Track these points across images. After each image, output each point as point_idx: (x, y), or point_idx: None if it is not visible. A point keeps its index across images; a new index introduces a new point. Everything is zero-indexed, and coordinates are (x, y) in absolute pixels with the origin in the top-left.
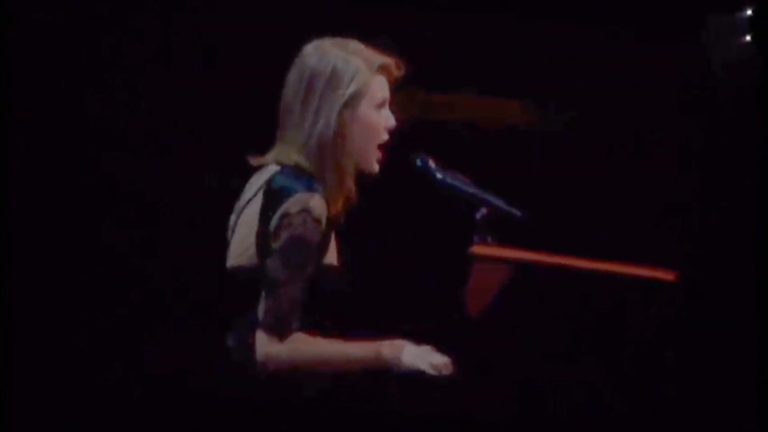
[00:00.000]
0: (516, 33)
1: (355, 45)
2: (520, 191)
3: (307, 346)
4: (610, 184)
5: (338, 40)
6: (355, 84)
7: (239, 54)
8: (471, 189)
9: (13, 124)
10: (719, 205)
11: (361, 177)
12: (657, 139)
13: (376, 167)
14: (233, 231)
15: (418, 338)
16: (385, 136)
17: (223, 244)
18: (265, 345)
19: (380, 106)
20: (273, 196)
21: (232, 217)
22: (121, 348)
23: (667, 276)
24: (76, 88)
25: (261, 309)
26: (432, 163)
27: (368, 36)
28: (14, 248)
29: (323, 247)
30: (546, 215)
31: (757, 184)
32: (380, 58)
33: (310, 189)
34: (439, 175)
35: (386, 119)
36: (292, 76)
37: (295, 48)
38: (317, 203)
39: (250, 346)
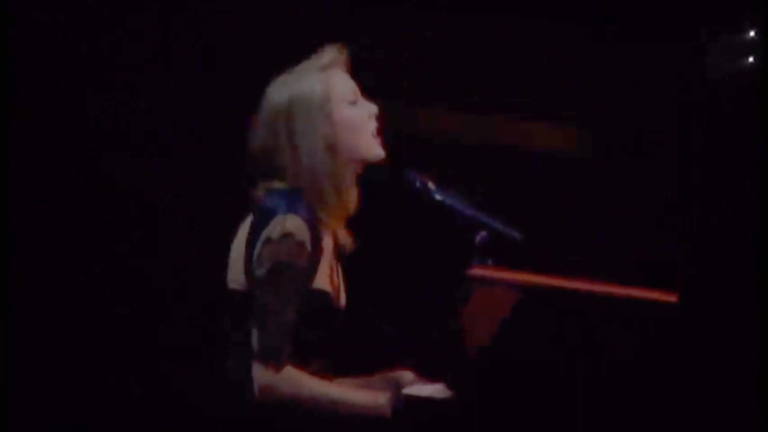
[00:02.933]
0: (514, 36)
1: (304, 63)
2: (518, 207)
3: (308, 384)
4: (609, 195)
5: (293, 68)
6: (318, 97)
7: (239, 54)
8: (470, 210)
9: (13, 123)
10: (719, 207)
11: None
12: (658, 146)
13: (380, 152)
14: (231, 253)
15: (415, 361)
16: (373, 124)
17: (224, 247)
18: (262, 377)
19: (352, 99)
20: (258, 219)
21: (234, 241)
22: (120, 350)
23: (670, 297)
24: (76, 87)
25: (254, 339)
26: (431, 185)
27: (368, 37)
28: (15, 247)
29: (312, 270)
30: (547, 233)
31: (756, 184)
32: (325, 57)
33: (291, 209)
34: (437, 197)
35: (366, 108)
36: (260, 119)
37: (296, 48)
38: (299, 226)
39: (249, 375)
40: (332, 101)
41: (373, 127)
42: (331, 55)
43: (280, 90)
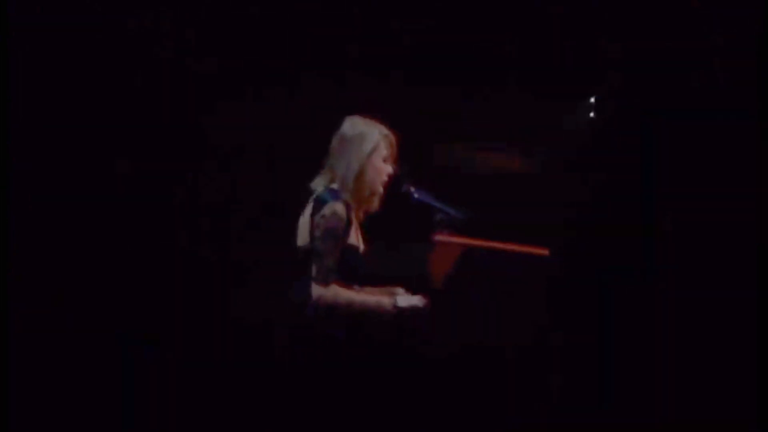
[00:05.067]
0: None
1: (372, 121)
2: (466, 201)
3: (344, 294)
4: (523, 194)
5: (363, 118)
6: (373, 143)
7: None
8: (434, 202)
9: (16, 125)
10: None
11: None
12: (560, 168)
13: (381, 191)
14: (299, 226)
15: (405, 287)
16: (386, 179)
17: (290, 231)
18: (316, 291)
19: (385, 159)
20: (318, 205)
21: (300, 218)
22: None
23: (542, 251)
24: (82, 89)
25: (313, 270)
26: (413, 189)
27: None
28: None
29: (347, 233)
30: (483, 215)
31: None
32: (386, 130)
33: (337, 199)
34: (416, 195)
35: (387, 169)
36: (336, 135)
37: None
38: (340, 208)
39: (309, 293)
40: (375, 152)
41: (384, 180)
42: (390, 135)
43: (353, 126)
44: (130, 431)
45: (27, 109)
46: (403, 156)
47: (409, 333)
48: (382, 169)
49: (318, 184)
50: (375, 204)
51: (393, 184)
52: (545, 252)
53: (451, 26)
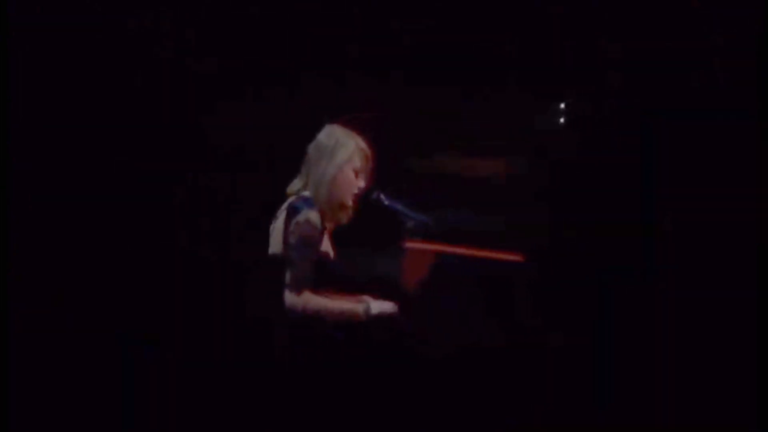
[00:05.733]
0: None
1: (351, 132)
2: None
3: (316, 300)
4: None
5: (342, 128)
6: (347, 154)
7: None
8: (404, 210)
9: (17, 126)
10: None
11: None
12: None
13: (350, 203)
14: (271, 233)
15: (377, 293)
16: (356, 191)
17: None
18: (289, 299)
19: (357, 172)
20: (291, 213)
21: (271, 226)
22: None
23: (517, 257)
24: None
25: (287, 278)
26: (383, 196)
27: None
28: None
29: (320, 241)
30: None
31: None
32: (363, 143)
33: (311, 207)
34: (386, 202)
35: (359, 182)
36: (313, 143)
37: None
38: (315, 216)
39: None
40: (348, 163)
41: (354, 193)
42: (366, 150)
43: (330, 135)
44: (130, 431)
45: (27, 109)
46: (393, 161)
47: (383, 338)
48: (353, 181)
49: (292, 190)
50: (344, 217)
51: (364, 195)
52: (519, 258)
53: (451, 26)
